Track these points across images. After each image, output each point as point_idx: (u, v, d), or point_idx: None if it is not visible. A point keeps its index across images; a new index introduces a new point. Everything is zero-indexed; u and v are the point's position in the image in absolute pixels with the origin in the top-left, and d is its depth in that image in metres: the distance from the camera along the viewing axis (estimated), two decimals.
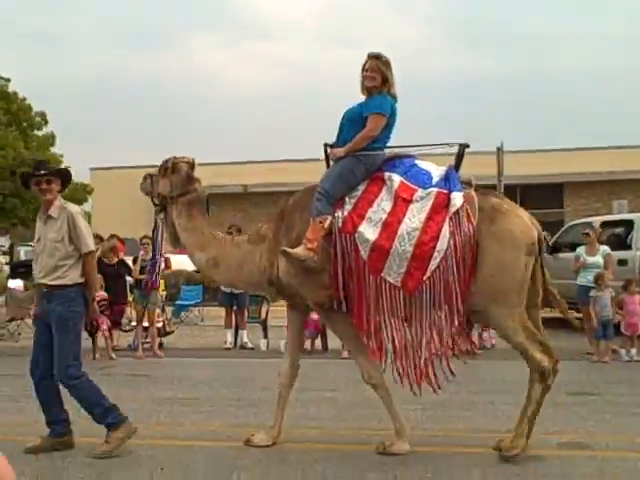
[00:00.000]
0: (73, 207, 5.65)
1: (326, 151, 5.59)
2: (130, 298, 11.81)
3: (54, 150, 27.99)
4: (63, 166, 28.48)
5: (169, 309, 14.24)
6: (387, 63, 5.37)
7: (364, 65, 5.38)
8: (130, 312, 12.54)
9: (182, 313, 15.32)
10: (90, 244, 5.56)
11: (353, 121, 5.36)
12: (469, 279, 4.97)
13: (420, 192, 5.12)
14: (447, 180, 5.19)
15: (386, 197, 5.14)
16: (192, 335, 13.51)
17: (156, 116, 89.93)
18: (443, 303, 5.00)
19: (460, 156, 5.44)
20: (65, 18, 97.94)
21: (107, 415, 5.41)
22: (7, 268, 16.59)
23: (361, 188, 5.24)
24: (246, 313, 11.79)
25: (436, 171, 5.30)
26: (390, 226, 5.01)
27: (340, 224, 5.12)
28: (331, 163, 5.52)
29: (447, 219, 5.00)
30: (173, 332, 12.71)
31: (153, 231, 6.11)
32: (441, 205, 5.06)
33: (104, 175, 30.66)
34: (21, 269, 20.26)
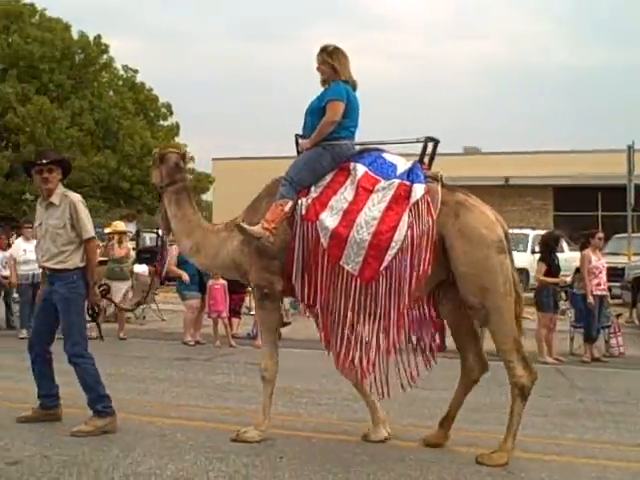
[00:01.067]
0: (75, 195, 5.84)
1: (297, 142, 5.63)
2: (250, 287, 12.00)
3: (178, 140, 28.86)
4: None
5: (287, 300, 14.36)
6: (332, 53, 5.45)
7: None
8: (249, 301, 12.77)
9: (300, 305, 15.42)
10: (90, 231, 5.75)
11: (313, 114, 5.44)
12: (425, 271, 4.96)
13: (382, 183, 5.16)
14: (411, 172, 5.21)
15: (349, 186, 5.21)
16: (309, 327, 13.59)
17: (278, 107, 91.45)
18: (397, 295, 5.00)
19: (425, 149, 5.39)
20: (190, 9, 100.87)
21: (99, 402, 5.64)
22: (133, 254, 17.24)
23: (328, 178, 5.31)
24: None
25: (402, 164, 5.32)
26: (349, 214, 5.07)
27: (303, 211, 5.21)
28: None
29: (407, 210, 5.02)
30: (290, 323, 12.81)
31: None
32: (402, 196, 5.08)
33: (225, 165, 31.39)
34: (146, 255, 20.95)
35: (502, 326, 5.04)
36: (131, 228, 25.05)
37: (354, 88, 5.48)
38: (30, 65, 24.58)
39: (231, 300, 11.14)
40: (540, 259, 10.69)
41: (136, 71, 28.97)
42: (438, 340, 5.48)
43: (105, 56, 27.67)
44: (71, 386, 6.79)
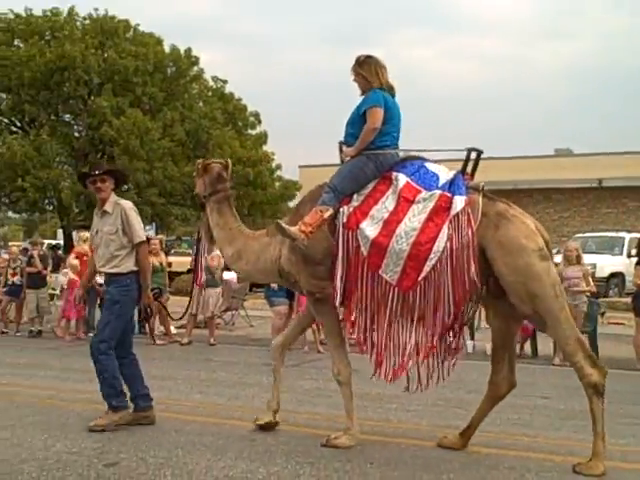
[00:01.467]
0: (126, 203, 6.14)
1: (340, 149, 5.69)
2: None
3: (266, 148, 29.17)
4: (274, 164, 29.87)
5: None
6: (363, 63, 5.50)
7: None
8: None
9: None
10: (141, 235, 6.06)
11: (354, 124, 5.50)
12: (465, 282, 4.98)
13: (424, 193, 5.19)
14: (452, 183, 5.21)
15: (391, 196, 5.25)
16: None
17: None
18: (435, 304, 5.07)
19: (468, 160, 5.35)
20: (277, 19, 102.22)
21: (115, 397, 5.88)
22: (223, 261, 17.70)
23: (370, 186, 5.36)
24: None
25: (445, 175, 5.32)
26: (390, 224, 5.13)
27: (345, 219, 5.28)
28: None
29: (447, 222, 5.04)
30: None
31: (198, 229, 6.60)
32: (443, 208, 5.10)
33: (312, 173, 31.57)
34: None
35: (559, 328, 5.03)
36: None
37: (392, 94, 5.51)
38: (124, 79, 25.27)
39: None
40: (638, 263, 10.34)
41: (225, 81, 29.42)
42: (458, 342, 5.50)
43: (195, 68, 28.24)
44: (163, 390, 6.99)
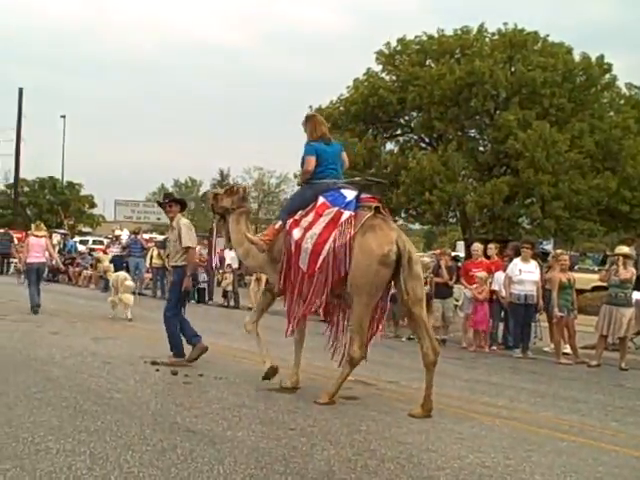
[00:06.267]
0: (183, 220, 9.33)
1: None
2: None
3: None
4: None
5: None
6: (305, 120, 7.85)
7: None
8: None
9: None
10: (187, 242, 9.04)
11: (302, 164, 7.74)
12: (340, 270, 6.83)
13: (329, 210, 7.16)
14: (349, 203, 7.12)
15: (313, 212, 7.26)
16: None
17: None
18: (323, 285, 7.01)
19: (364, 187, 7.56)
20: None
21: (175, 347, 8.94)
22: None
23: (309, 206, 7.34)
24: None
25: (350, 197, 7.19)
26: (305, 231, 7.19)
27: (287, 228, 7.40)
28: None
29: (335, 229, 6.96)
30: None
31: (210, 233, 8.90)
32: (336, 219, 7.04)
33: None
34: None
35: (356, 315, 6.87)
36: (631, 252, 23.82)
37: (326, 143, 7.61)
38: (532, 91, 24.83)
39: None
40: None
41: (639, 87, 27.53)
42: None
43: (607, 76, 26.85)
44: (576, 413, 6.55)
